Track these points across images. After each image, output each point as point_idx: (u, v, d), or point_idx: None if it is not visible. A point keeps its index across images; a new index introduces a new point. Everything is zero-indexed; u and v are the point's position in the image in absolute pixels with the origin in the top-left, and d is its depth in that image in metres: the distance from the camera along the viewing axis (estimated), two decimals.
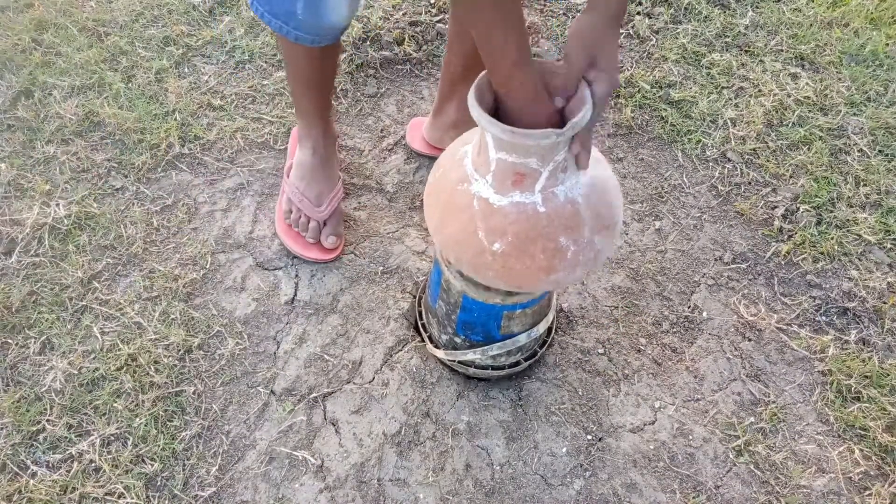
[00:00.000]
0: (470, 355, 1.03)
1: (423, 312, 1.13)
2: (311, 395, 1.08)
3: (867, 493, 1.01)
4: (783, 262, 1.26)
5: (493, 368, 1.07)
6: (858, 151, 1.38)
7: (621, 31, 1.56)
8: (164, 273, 1.18)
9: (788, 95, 1.46)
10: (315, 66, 1.05)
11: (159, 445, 1.01)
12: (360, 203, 1.31)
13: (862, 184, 1.34)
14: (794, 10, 1.61)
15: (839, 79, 1.49)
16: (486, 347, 1.01)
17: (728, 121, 1.43)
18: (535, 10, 1.59)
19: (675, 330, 1.18)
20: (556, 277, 0.77)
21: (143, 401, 1.05)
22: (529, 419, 1.07)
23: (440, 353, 1.07)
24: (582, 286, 1.22)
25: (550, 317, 1.06)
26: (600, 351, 1.14)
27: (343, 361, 1.11)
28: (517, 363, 1.08)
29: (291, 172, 1.23)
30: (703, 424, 1.08)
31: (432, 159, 1.35)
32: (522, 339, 1.01)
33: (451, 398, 1.08)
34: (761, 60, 1.52)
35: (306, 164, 1.20)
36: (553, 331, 1.15)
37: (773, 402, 1.09)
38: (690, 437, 1.06)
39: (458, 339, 1.04)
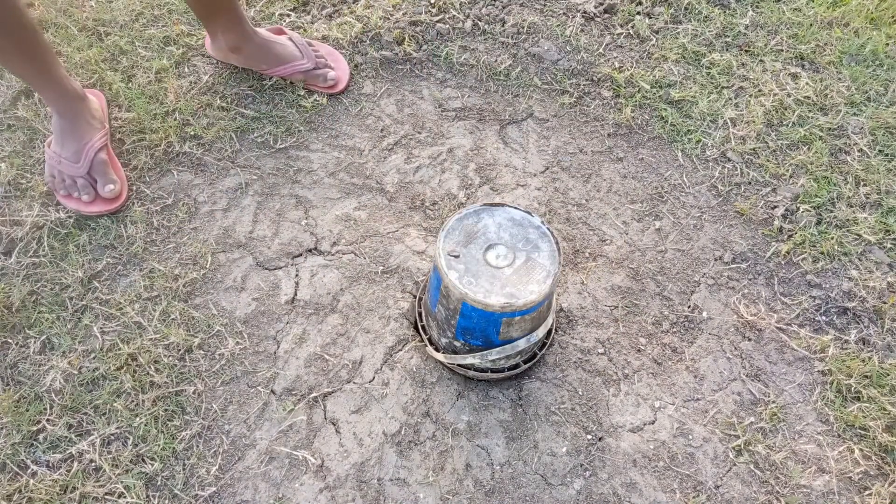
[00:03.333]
0: (469, 359, 1.03)
1: (423, 314, 1.13)
2: (311, 395, 1.08)
3: (867, 492, 1.01)
4: (783, 262, 1.26)
5: (493, 371, 1.07)
6: (858, 151, 1.38)
7: (621, 30, 1.56)
8: (164, 273, 1.18)
9: (788, 95, 1.46)
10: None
11: (159, 445, 1.01)
12: (360, 203, 1.31)
13: (862, 184, 1.34)
14: (794, 10, 1.61)
15: (839, 79, 1.49)
16: (485, 352, 1.01)
17: (728, 121, 1.43)
18: (536, 10, 1.59)
19: (675, 330, 1.18)
20: None
21: (143, 400, 1.05)
22: (529, 419, 1.07)
23: (440, 356, 1.07)
24: (582, 286, 1.22)
25: (550, 321, 1.06)
26: (600, 351, 1.14)
27: (343, 361, 1.11)
28: (516, 366, 1.08)
29: (52, 143, 1.25)
30: (703, 424, 1.08)
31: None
32: (522, 343, 1.01)
33: (451, 398, 1.08)
34: (761, 60, 1.52)
35: (56, 128, 1.23)
36: (553, 332, 1.15)
37: (773, 401, 1.09)
38: (690, 437, 1.06)
39: (457, 344, 1.04)
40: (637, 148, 1.41)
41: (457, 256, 0.96)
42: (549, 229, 1.00)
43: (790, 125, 1.42)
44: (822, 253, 1.26)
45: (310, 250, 1.24)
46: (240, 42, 1.37)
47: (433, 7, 1.57)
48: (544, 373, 1.12)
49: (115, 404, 1.04)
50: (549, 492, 1.01)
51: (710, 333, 1.17)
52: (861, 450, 1.05)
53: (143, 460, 1.00)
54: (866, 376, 1.11)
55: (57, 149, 1.23)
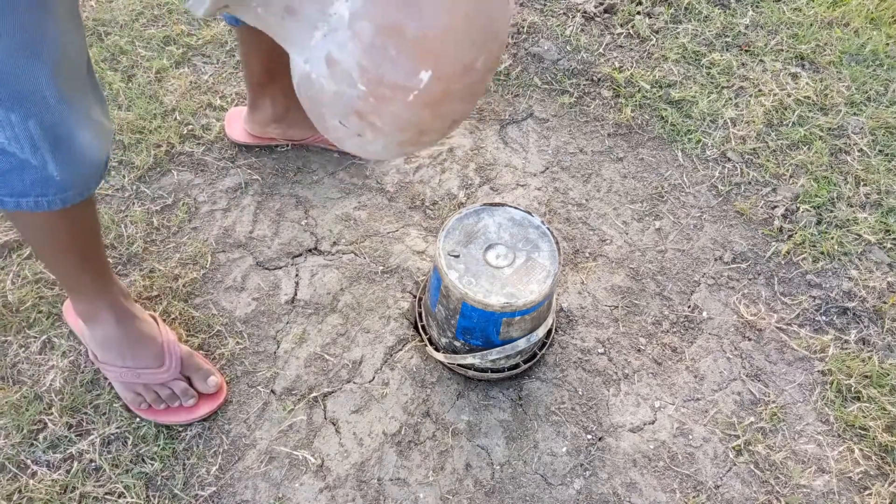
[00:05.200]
0: (469, 359, 1.03)
1: (423, 314, 1.14)
2: (311, 395, 1.08)
3: (867, 492, 1.01)
4: (783, 262, 1.26)
5: (493, 371, 1.07)
6: (858, 151, 1.38)
7: (621, 30, 1.56)
8: (164, 272, 1.18)
9: (788, 95, 1.46)
10: (83, 224, 0.87)
11: (159, 445, 1.01)
12: (360, 203, 1.31)
13: (862, 183, 1.34)
14: (795, 10, 1.61)
15: (839, 78, 1.49)
16: (485, 352, 1.01)
17: (728, 120, 1.43)
18: (536, 10, 1.59)
19: (675, 330, 1.18)
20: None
21: None
22: (529, 419, 1.07)
23: (440, 356, 1.07)
24: (582, 286, 1.22)
25: (550, 321, 1.06)
26: (600, 351, 1.14)
27: (343, 361, 1.11)
28: (516, 366, 1.08)
29: (100, 356, 1.00)
30: (703, 424, 1.08)
31: (269, 149, 1.36)
32: (522, 343, 1.01)
33: (451, 398, 1.08)
34: (761, 60, 1.52)
35: (114, 339, 0.99)
36: (553, 332, 1.15)
37: (773, 401, 1.10)
38: (690, 437, 1.06)
39: (457, 343, 1.04)
40: (637, 148, 1.41)
41: (457, 256, 0.96)
42: (548, 229, 1.00)
43: (790, 125, 1.42)
44: (822, 253, 1.26)
45: (310, 250, 1.24)
46: (288, 106, 1.24)
47: None
48: (544, 373, 1.12)
49: (115, 404, 1.04)
50: (549, 492, 1.01)
51: (710, 333, 1.17)
52: (861, 450, 1.05)
53: (143, 460, 1.00)
54: (866, 376, 1.11)
55: (128, 363, 0.99)
